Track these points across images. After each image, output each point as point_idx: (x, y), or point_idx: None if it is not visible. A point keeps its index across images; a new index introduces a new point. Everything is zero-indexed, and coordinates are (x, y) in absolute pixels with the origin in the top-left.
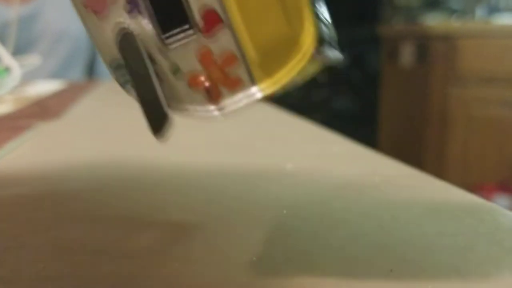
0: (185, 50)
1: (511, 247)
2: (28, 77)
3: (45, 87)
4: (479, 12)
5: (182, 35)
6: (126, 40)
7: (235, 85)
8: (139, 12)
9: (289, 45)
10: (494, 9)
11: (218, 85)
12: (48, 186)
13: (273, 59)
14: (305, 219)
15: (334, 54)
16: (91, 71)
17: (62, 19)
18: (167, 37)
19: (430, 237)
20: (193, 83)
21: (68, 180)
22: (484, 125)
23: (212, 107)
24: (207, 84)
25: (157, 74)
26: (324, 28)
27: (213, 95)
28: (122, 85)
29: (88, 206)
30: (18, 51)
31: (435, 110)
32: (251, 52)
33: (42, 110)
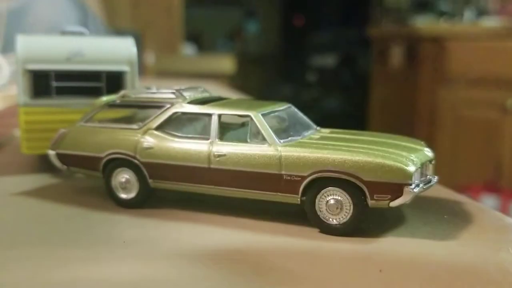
0: None
1: (498, 246)
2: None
3: None
4: (468, 14)
5: None
6: None
7: None
8: None
9: None
10: (482, 12)
11: None
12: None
13: None
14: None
15: None
16: None
17: (52, 13)
18: None
19: (419, 239)
20: None
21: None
22: (471, 126)
23: None
24: None
25: None
26: None
27: None
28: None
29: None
30: (8, 46)
31: (424, 111)
32: None
33: None
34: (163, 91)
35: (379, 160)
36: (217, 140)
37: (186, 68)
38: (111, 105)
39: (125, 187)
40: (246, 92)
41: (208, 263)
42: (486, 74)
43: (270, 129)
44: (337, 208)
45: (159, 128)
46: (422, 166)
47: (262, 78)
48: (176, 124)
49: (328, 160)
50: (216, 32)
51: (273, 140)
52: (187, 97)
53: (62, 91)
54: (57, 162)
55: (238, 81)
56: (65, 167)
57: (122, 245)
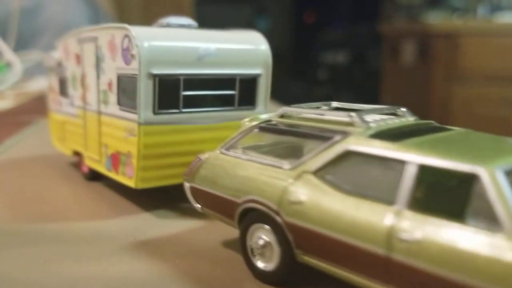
0: None
1: None
2: (29, 73)
3: (46, 82)
4: (481, 10)
5: None
6: None
7: None
8: None
9: None
10: (496, 8)
11: None
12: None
13: None
14: None
15: None
16: None
17: (63, 12)
18: None
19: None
20: None
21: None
22: (485, 123)
23: None
24: None
25: None
26: None
27: None
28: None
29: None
30: (22, 44)
31: (436, 108)
32: None
33: (43, 105)
34: (337, 112)
35: None
36: (407, 209)
37: None
38: (262, 128)
39: (263, 252)
40: None
41: (217, 263)
42: (500, 71)
43: None
44: None
45: (320, 172)
46: None
47: (273, 76)
48: (347, 169)
49: None
50: (227, 29)
51: None
52: (372, 126)
53: (190, 103)
54: (191, 198)
55: None
56: (198, 206)
57: (135, 243)
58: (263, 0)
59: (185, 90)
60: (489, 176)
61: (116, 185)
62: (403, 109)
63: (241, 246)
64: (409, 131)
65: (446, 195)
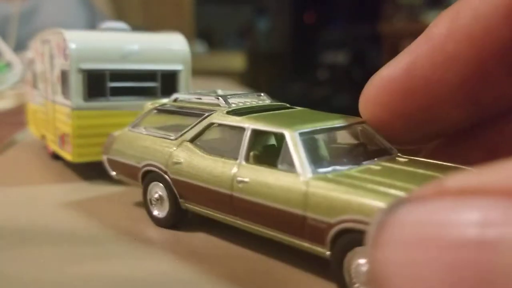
0: None
1: None
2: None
3: None
4: None
5: None
6: None
7: None
8: None
9: None
10: None
11: None
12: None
13: None
14: None
15: None
16: None
17: (62, 13)
18: None
19: None
20: None
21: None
22: None
23: None
24: None
25: None
26: None
27: None
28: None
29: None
30: (19, 45)
31: None
32: None
33: None
34: (208, 96)
35: None
36: (243, 161)
37: (196, 66)
38: (159, 110)
39: (158, 203)
40: (256, 90)
41: (223, 263)
42: None
43: (304, 153)
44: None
45: (193, 140)
46: None
47: (272, 76)
48: (212, 137)
49: (359, 206)
50: (227, 29)
51: (304, 169)
52: (233, 105)
53: (117, 92)
54: (108, 167)
55: (248, 79)
56: (114, 173)
57: (136, 243)
58: (263, 0)
59: (111, 82)
60: (290, 136)
61: (116, 184)
62: (263, 94)
63: (144, 200)
64: (257, 110)
65: (269, 150)
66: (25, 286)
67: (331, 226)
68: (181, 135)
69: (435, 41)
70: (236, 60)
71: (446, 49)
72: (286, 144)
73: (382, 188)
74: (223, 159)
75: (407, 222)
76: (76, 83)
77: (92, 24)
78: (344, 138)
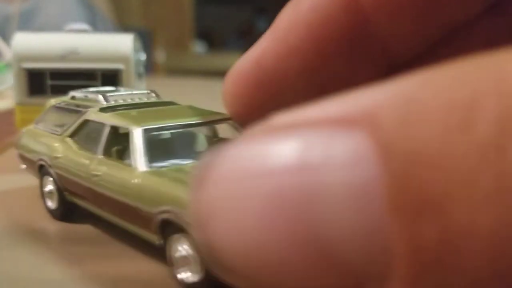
0: None
1: None
2: None
3: None
4: None
5: None
6: None
7: None
8: None
9: None
10: None
11: None
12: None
13: None
14: None
15: None
16: None
17: (61, 14)
18: None
19: None
20: None
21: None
22: None
23: None
24: None
25: None
26: None
27: None
28: None
29: None
30: None
31: None
32: None
33: None
34: (93, 93)
35: None
36: (100, 156)
37: (197, 66)
38: (57, 107)
39: (50, 196)
40: None
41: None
42: None
43: (143, 148)
44: (187, 263)
45: (72, 136)
46: None
47: None
48: (86, 133)
49: (173, 198)
50: (227, 29)
51: (138, 163)
52: (112, 102)
53: (58, 90)
54: (19, 161)
55: None
56: (24, 166)
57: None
58: (263, 0)
59: (52, 80)
60: (134, 132)
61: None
62: (152, 92)
63: (40, 192)
64: (134, 107)
65: (123, 146)
66: (25, 286)
67: (154, 215)
68: (65, 131)
69: (279, 34)
70: (236, 60)
71: (288, 40)
72: (132, 140)
73: None
74: (88, 154)
75: (230, 159)
76: (19, 80)
77: (92, 25)
78: (206, 134)
